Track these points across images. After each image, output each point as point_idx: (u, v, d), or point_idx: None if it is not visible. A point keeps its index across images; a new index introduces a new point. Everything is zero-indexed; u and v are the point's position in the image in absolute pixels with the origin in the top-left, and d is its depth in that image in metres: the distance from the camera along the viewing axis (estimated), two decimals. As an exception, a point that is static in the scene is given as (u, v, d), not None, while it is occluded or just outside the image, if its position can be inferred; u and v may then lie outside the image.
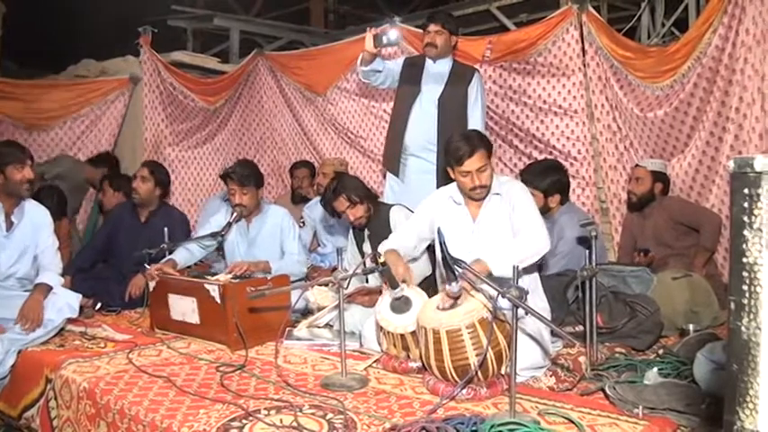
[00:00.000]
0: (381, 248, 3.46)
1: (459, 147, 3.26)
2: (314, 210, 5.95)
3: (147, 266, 4.17)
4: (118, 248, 5.04)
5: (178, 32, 9.55)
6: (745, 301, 1.16)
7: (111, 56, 7.09)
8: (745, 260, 1.16)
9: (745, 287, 1.16)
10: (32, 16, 10.12)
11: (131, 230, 5.02)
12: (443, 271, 3.33)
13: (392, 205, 4.32)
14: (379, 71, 4.76)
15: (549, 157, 5.33)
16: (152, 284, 4.14)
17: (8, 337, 3.70)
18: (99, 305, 4.58)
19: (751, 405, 1.16)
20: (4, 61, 9.25)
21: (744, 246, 1.16)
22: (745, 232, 1.16)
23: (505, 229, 3.29)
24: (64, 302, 3.97)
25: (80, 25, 9.96)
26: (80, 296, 4.13)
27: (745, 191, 1.16)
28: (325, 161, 6.17)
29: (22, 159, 4.00)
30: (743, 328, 1.17)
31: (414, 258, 3.63)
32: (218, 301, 3.68)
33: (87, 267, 5.02)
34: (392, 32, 4.37)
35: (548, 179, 4.49)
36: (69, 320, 4.04)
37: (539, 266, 3.45)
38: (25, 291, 4.02)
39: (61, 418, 3.22)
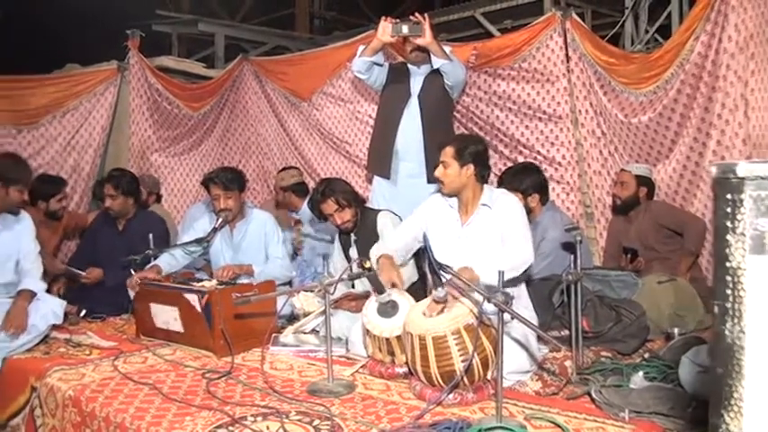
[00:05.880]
0: (375, 252, 3.49)
1: None
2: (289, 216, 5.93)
3: (133, 273, 4.15)
4: (99, 257, 5.02)
5: (163, 37, 9.53)
6: (729, 305, 1.17)
7: (96, 61, 7.04)
8: (728, 264, 1.17)
9: (728, 291, 1.17)
10: (15, 22, 10.07)
11: (110, 239, 5.01)
12: (431, 276, 3.36)
13: (379, 210, 4.33)
14: (380, 65, 4.79)
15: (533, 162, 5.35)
16: (131, 293, 4.13)
17: (-7, 345, 3.69)
18: (84, 312, 4.55)
19: (736, 408, 1.17)
20: (-15, 66, 9.20)
21: (727, 250, 1.17)
22: (729, 237, 1.17)
23: (493, 239, 3.33)
24: (48, 309, 3.97)
25: (64, 30, 9.92)
26: (64, 303, 4.13)
27: (728, 196, 1.17)
28: (277, 178, 6.10)
29: (27, 183, 4.21)
30: (727, 332, 1.18)
31: (401, 264, 3.65)
32: (199, 309, 3.67)
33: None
34: (413, 24, 4.43)
35: (525, 179, 4.54)
36: (54, 327, 4.04)
37: (526, 281, 3.48)
38: (10, 297, 4.01)
39: (47, 426, 3.21)
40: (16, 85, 6.59)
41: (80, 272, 4.79)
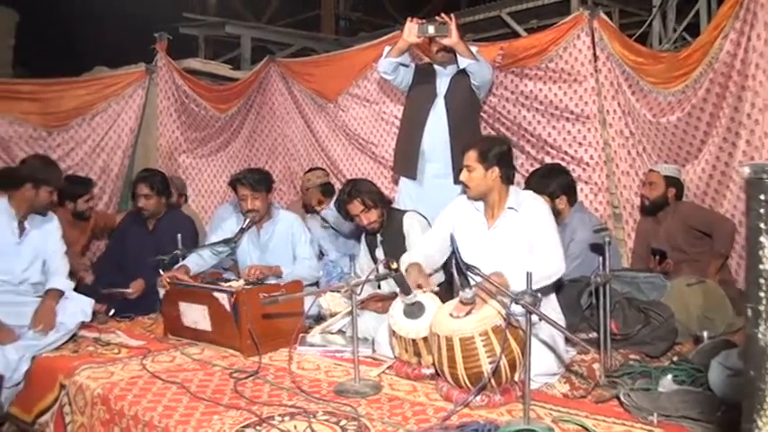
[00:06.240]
0: (404, 260, 3.47)
1: None
2: (315, 218, 5.91)
3: (161, 273, 4.18)
4: (128, 257, 5.06)
5: (189, 40, 9.61)
6: (762, 308, 1.15)
7: (124, 63, 7.12)
8: (761, 267, 1.15)
9: (761, 294, 1.15)
10: (45, 25, 10.21)
11: (139, 239, 5.04)
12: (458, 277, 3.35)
13: (405, 211, 4.33)
14: (406, 66, 4.79)
15: (561, 163, 5.32)
16: (162, 291, 4.16)
17: (22, 344, 3.74)
18: (112, 311, 4.60)
19: (769, 412, 1.15)
20: (17, 69, 9.36)
21: (760, 252, 1.15)
22: (762, 239, 1.15)
23: (520, 243, 3.29)
24: (77, 307, 4.04)
25: (92, 33, 10.06)
26: (92, 301, 4.17)
27: (762, 197, 1.15)
28: (304, 179, 6.10)
29: (57, 185, 4.28)
30: (759, 335, 1.16)
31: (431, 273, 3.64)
32: (228, 308, 3.69)
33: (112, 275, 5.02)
34: (439, 24, 4.43)
35: (552, 182, 4.50)
36: (83, 326, 4.09)
37: (556, 288, 3.45)
38: (38, 296, 4.07)
39: (75, 423, 3.25)
40: (46, 88, 6.68)
41: (125, 290, 4.76)
